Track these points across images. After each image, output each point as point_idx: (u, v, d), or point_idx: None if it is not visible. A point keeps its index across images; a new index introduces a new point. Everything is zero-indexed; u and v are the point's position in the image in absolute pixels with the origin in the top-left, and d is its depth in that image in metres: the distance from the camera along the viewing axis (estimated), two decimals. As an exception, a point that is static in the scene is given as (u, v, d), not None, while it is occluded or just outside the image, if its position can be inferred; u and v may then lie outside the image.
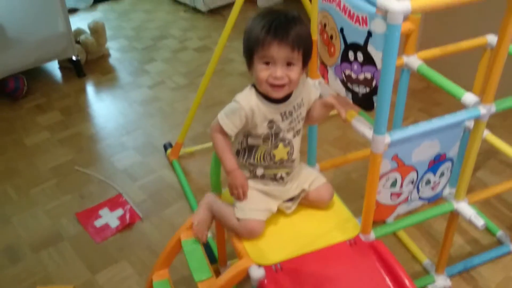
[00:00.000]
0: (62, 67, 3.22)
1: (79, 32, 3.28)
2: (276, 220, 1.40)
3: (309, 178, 1.43)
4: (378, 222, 1.41)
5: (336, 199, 1.47)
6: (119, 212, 2.09)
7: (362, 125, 1.21)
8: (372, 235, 1.35)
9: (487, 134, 1.82)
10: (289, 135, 1.34)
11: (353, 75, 1.19)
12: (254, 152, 1.34)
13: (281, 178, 1.38)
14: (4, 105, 2.86)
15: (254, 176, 1.37)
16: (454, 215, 1.51)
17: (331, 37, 1.22)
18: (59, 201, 2.18)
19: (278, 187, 1.39)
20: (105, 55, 3.38)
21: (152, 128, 2.65)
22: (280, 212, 1.41)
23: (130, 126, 2.67)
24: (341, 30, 1.16)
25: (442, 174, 1.42)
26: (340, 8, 1.13)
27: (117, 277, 1.82)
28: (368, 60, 1.11)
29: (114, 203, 2.15)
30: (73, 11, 3.97)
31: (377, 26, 1.03)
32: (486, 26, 1.69)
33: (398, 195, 1.38)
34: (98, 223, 2.05)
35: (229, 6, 3.65)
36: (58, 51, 3.00)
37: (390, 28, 0.99)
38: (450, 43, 1.55)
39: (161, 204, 2.14)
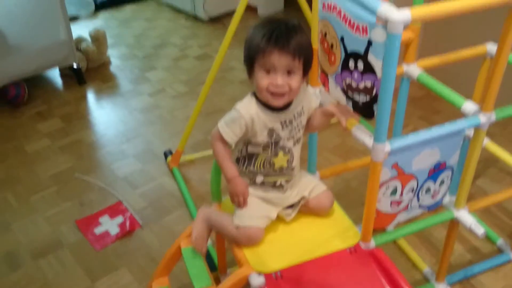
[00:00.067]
0: (63, 75, 3.22)
1: (80, 39, 3.29)
2: (276, 227, 1.40)
3: (309, 185, 1.43)
4: (378, 230, 1.41)
5: (336, 207, 1.47)
6: (119, 219, 2.09)
7: (362, 133, 1.22)
8: (372, 243, 1.35)
9: (487, 142, 1.82)
10: (289, 143, 1.34)
11: (354, 84, 1.19)
12: (254, 160, 1.35)
13: (281, 185, 1.38)
14: (5, 112, 2.87)
15: (253, 183, 1.37)
16: (454, 223, 1.51)
17: (332, 45, 1.23)
18: (59, 208, 2.18)
19: (277, 194, 1.39)
20: (106, 63, 3.39)
21: (152, 136, 2.65)
22: (280, 219, 1.40)
23: (131, 133, 2.68)
24: (342, 39, 1.17)
25: (442, 182, 1.42)
26: (340, 17, 1.14)
27: (117, 284, 1.82)
28: (369, 69, 1.12)
29: (114, 210, 2.15)
30: (74, 19, 3.98)
31: (377, 35, 1.03)
32: (486, 35, 1.70)
33: (398, 203, 1.38)
34: (98, 230, 2.05)
35: (230, 14, 3.66)
36: (59, 59, 3.01)
37: (390, 37, 1.00)
38: (449, 52, 1.56)
39: (161, 212, 2.14)
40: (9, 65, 2.79)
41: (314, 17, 1.38)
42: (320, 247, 1.35)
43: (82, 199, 2.23)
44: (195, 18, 4.03)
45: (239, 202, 1.34)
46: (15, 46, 2.84)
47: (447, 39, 2.67)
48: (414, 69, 1.53)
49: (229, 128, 1.29)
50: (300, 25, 1.25)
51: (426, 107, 2.72)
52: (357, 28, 1.08)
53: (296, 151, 1.37)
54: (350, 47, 1.15)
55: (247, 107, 1.29)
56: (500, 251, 1.88)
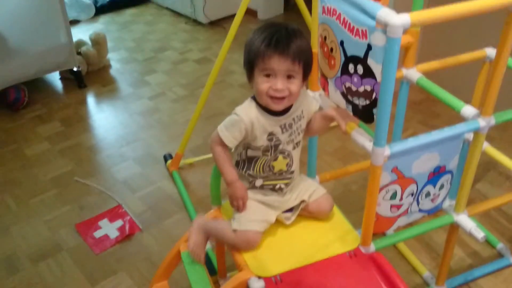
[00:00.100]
0: (63, 78, 3.23)
1: (80, 43, 3.30)
2: (276, 231, 1.40)
3: (309, 189, 1.43)
4: (378, 234, 1.41)
5: (336, 211, 1.47)
6: (119, 223, 2.09)
7: (362, 137, 1.22)
8: (372, 247, 1.34)
9: (486, 146, 1.82)
10: (288, 147, 1.34)
11: (353, 88, 1.19)
12: (253, 164, 1.35)
13: (280, 189, 1.38)
14: (5, 116, 2.87)
15: (253, 186, 1.37)
16: (454, 227, 1.50)
17: (331, 49, 1.23)
18: (58, 212, 2.17)
19: (277, 198, 1.39)
20: (106, 66, 3.40)
21: (152, 139, 2.65)
22: (280, 223, 1.40)
23: (130, 137, 2.68)
24: (341, 43, 1.17)
25: (442, 186, 1.42)
26: (340, 21, 1.14)
27: (116, 288, 1.82)
28: (368, 73, 1.12)
29: (114, 214, 2.14)
30: (74, 22, 3.99)
31: (377, 39, 1.03)
32: (485, 39, 1.70)
33: (398, 207, 1.38)
34: (98, 234, 2.04)
35: (230, 18, 3.67)
36: (60, 62, 3.02)
37: (389, 41, 1.00)
38: (449, 56, 1.56)
39: (161, 215, 2.14)
40: (10, 68, 2.80)
41: (314, 21, 1.38)
42: (319, 251, 1.34)
43: (81, 202, 2.22)
44: (195, 21, 4.04)
45: (238, 206, 1.34)
46: (16, 50, 2.85)
47: (446, 43, 2.68)
48: (414, 73, 1.53)
49: (228, 132, 1.29)
50: (300, 29, 1.26)
51: (426, 111, 2.72)
52: (357, 32, 1.09)
53: (296, 154, 1.37)
54: (350, 51, 1.15)
55: (247, 111, 1.29)
56: (500, 255, 1.88)
